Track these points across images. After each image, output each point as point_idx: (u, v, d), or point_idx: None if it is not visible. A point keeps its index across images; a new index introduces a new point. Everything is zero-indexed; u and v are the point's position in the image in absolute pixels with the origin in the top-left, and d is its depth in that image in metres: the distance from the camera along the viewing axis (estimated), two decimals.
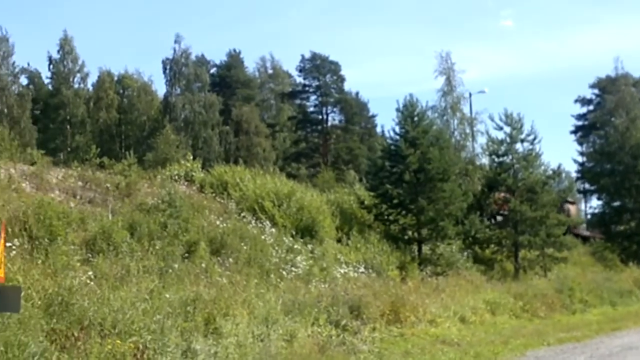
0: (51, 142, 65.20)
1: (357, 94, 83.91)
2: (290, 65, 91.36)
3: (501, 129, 39.72)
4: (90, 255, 18.37)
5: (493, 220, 39.33)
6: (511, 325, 26.54)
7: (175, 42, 72.61)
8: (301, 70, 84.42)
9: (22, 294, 13.02)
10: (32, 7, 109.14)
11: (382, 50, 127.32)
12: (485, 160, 46.62)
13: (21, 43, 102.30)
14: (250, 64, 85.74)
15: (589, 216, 64.35)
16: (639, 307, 33.29)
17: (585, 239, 52.03)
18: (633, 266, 41.93)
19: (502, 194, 39.08)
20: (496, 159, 40.21)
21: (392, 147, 33.57)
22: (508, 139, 39.50)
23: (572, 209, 62.07)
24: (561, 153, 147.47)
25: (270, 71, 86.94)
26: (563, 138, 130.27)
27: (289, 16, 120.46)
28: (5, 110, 63.73)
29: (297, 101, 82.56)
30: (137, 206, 22.30)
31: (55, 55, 69.95)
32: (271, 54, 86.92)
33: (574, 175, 69.73)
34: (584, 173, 64.23)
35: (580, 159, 67.07)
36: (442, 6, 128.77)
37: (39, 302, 14.87)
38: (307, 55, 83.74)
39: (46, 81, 73.34)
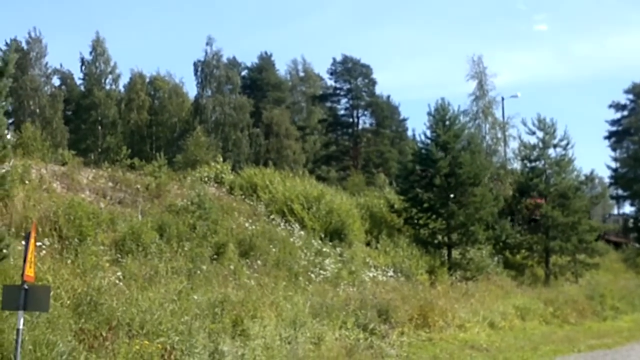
0: (82, 142, 65.58)
1: (388, 97, 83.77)
2: (321, 68, 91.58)
3: (534, 133, 39.57)
4: (119, 256, 18.48)
5: (524, 226, 39.03)
6: (541, 331, 26.44)
7: (207, 44, 72.81)
8: (332, 73, 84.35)
9: (52, 293, 13.12)
10: (65, 9, 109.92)
11: (414, 53, 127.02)
12: (517, 165, 46.44)
13: (54, 44, 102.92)
14: (282, 67, 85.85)
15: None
16: None
17: (617, 245, 51.56)
18: None
19: (534, 199, 38.79)
20: (528, 164, 40.00)
21: (423, 151, 33.43)
22: (540, 144, 39.27)
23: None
24: (594, 159, 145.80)
25: (301, 74, 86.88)
26: (596, 143, 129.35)
27: (320, 19, 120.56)
28: (38, 111, 64.32)
29: (328, 104, 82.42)
30: (167, 207, 22.40)
31: (88, 57, 70.34)
32: (302, 57, 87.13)
33: (607, 181, 69.16)
34: (617, 179, 63.72)
35: (613, 164, 66.37)
36: (475, 9, 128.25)
37: (68, 302, 14.99)
38: (339, 58, 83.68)
39: (78, 82, 73.78)
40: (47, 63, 70.47)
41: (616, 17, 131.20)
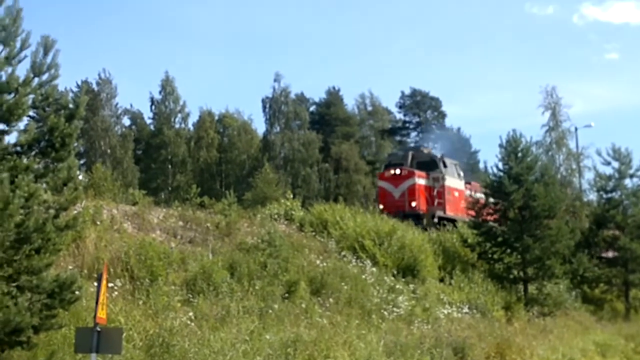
0: (153, 181, 66.49)
1: (458, 129, 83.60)
2: (389, 101, 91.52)
3: (609, 164, 39.09)
4: (190, 296, 18.53)
5: (602, 259, 38.37)
6: None
7: (275, 80, 73.68)
8: (401, 106, 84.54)
9: (124, 335, 13.17)
10: (134, 49, 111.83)
11: (483, 85, 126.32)
12: (593, 197, 45.74)
13: (124, 85, 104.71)
14: (350, 101, 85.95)
15: None
16: None
17: None
18: None
19: (612, 231, 38.11)
20: (604, 195, 39.46)
21: (496, 184, 33.14)
22: (616, 174, 38.78)
23: None
24: None
25: (369, 108, 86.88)
26: None
27: (387, 52, 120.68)
28: (109, 151, 65.43)
29: (397, 138, 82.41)
30: (237, 245, 22.45)
31: (157, 96, 71.59)
32: (370, 91, 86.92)
33: None
34: None
35: None
36: (544, 40, 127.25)
37: (140, 344, 15.06)
38: (407, 91, 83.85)
39: (148, 121, 75.02)
40: (117, 103, 72.01)
41: None
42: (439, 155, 38.46)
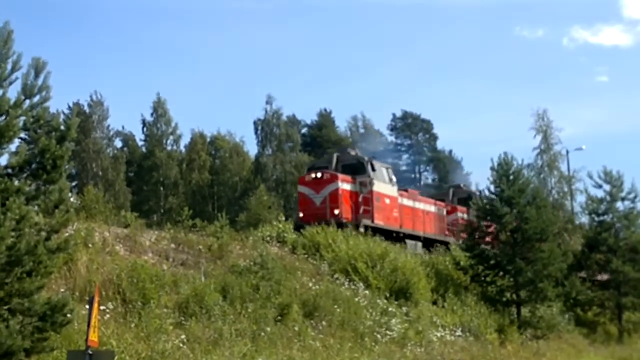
0: (145, 203, 66.48)
1: (450, 151, 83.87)
2: (381, 124, 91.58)
3: (600, 187, 39.22)
4: (182, 319, 18.47)
5: (595, 281, 38.39)
6: None
7: (267, 102, 74.00)
8: (392, 129, 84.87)
9: (116, 358, 13.11)
10: (125, 71, 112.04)
11: (475, 107, 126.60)
12: (584, 219, 45.82)
13: (115, 107, 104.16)
14: (342, 124, 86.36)
15: None
16: None
17: None
18: None
19: (604, 254, 38.13)
20: (596, 218, 39.56)
21: (488, 207, 33.16)
22: (608, 197, 38.90)
23: None
24: None
25: (361, 130, 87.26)
26: None
27: (379, 75, 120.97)
28: (100, 173, 65.45)
29: (390, 159, 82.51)
30: (229, 268, 22.40)
31: (149, 118, 71.72)
32: (362, 113, 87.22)
33: None
34: None
35: None
36: (534, 63, 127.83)
37: None
38: (398, 114, 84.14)
39: (140, 143, 75.04)
40: (109, 125, 72.15)
41: None
42: (366, 158, 33.96)
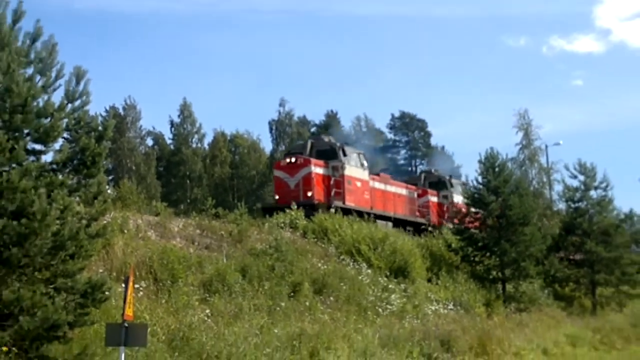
0: (173, 195, 66.45)
1: (442, 147, 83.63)
2: (382, 123, 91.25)
3: (576, 177, 39.07)
4: (207, 295, 18.49)
5: (571, 261, 38.29)
6: (590, 357, 25.90)
7: (280, 105, 74.08)
8: (391, 127, 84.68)
9: (149, 330, 13.15)
10: (156, 78, 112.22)
11: (464, 108, 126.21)
12: (562, 206, 45.66)
13: (147, 109, 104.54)
14: (346, 123, 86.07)
15: None
16: None
17: None
18: None
19: (579, 237, 38.02)
20: (572, 205, 39.40)
21: (476, 195, 33.13)
22: (582, 187, 38.76)
23: None
24: (632, 198, 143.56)
25: (364, 129, 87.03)
26: (633, 185, 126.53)
27: (380, 80, 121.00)
28: (134, 168, 65.44)
29: (389, 155, 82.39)
30: (248, 251, 22.40)
31: (176, 119, 71.71)
32: (365, 114, 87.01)
33: None
34: None
35: None
36: (517, 68, 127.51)
37: (163, 337, 15.04)
38: (397, 114, 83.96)
39: (168, 142, 74.96)
40: (141, 126, 72.15)
41: None
42: (338, 144, 32.96)
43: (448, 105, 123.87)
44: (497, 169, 32.91)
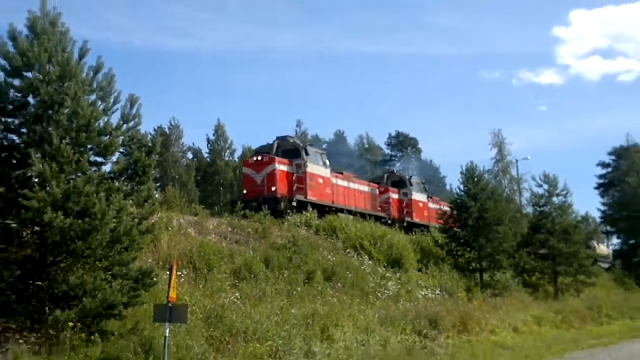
0: (209, 199, 66.20)
1: (431, 161, 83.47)
2: (381, 141, 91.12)
3: (541, 186, 38.88)
4: (237, 281, 18.54)
5: (537, 255, 38.10)
6: (553, 334, 25.85)
7: (297, 125, 73.91)
8: (389, 144, 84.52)
9: (189, 309, 13.19)
10: (196, 104, 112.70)
11: (449, 129, 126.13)
12: (530, 210, 45.51)
13: (188, 129, 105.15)
14: (352, 141, 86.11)
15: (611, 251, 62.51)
16: None
17: (607, 269, 50.24)
18: None
19: (544, 235, 37.84)
20: (538, 209, 39.21)
21: (459, 201, 33.10)
22: (547, 194, 38.57)
23: (603, 248, 61.65)
24: (588, 204, 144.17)
25: (366, 145, 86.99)
26: (589, 193, 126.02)
27: (380, 105, 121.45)
28: (177, 177, 65.49)
29: (386, 167, 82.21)
30: (271, 245, 22.41)
31: (212, 137, 71.70)
32: (367, 133, 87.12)
33: (598, 220, 67.19)
34: (606, 219, 61.99)
35: (603, 208, 64.53)
36: (493, 96, 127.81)
37: (201, 316, 15.07)
38: (394, 133, 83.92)
39: (205, 155, 74.99)
40: (183, 143, 72.04)
41: (598, 101, 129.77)
42: (302, 145, 31.03)
43: (436, 126, 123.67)
44: (476, 179, 32.86)
